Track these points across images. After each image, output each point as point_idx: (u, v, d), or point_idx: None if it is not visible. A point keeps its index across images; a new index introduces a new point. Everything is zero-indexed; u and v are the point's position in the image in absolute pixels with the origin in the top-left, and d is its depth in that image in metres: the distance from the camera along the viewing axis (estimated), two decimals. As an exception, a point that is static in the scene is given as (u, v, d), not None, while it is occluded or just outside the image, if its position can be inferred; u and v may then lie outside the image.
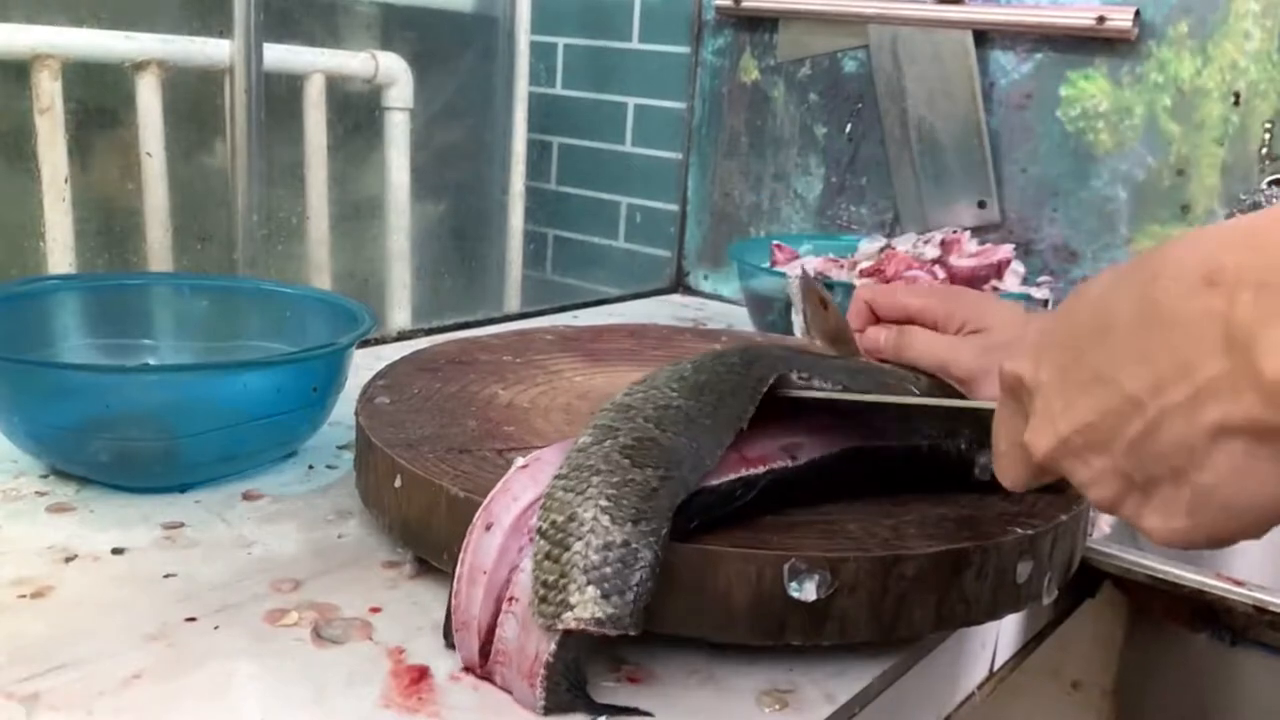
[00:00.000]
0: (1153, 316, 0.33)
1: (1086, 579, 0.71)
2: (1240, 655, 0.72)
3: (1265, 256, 0.30)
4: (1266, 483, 0.32)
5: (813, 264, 1.11)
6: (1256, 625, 0.69)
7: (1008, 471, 0.44)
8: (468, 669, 0.48)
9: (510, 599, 0.46)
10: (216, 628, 0.52)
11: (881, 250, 1.11)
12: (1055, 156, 1.14)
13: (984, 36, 1.16)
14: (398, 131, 1.25)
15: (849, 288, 0.96)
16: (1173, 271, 0.32)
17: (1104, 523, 0.76)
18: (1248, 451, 0.32)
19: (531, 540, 0.46)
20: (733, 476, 0.51)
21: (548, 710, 0.45)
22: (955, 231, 1.13)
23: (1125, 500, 0.36)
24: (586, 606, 0.43)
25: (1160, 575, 0.69)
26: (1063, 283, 1.16)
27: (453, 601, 0.47)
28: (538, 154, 1.51)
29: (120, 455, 0.64)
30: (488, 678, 0.47)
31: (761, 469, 0.52)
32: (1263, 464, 0.32)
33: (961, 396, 0.62)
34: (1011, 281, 1.07)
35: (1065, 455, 0.37)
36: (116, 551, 0.59)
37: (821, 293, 0.69)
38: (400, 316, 1.28)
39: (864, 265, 1.09)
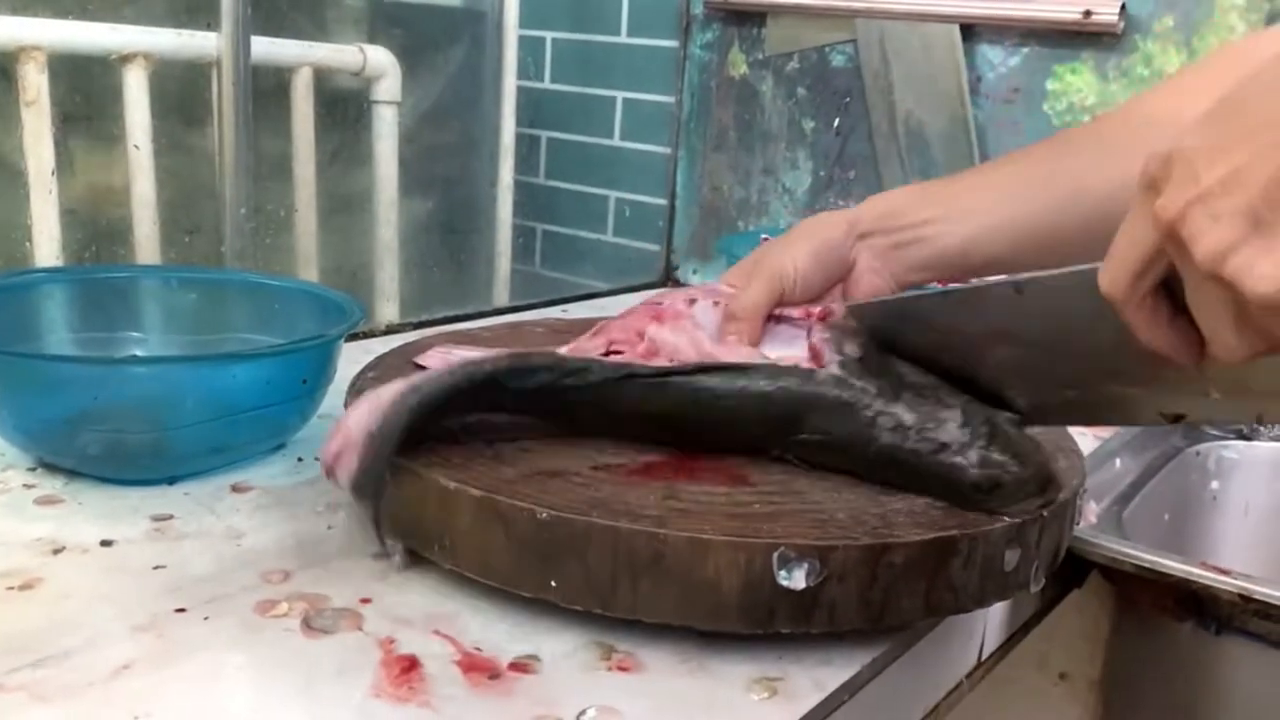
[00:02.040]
0: None
1: (1073, 569, 0.72)
2: (1226, 644, 0.72)
3: None
4: None
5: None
6: (1242, 614, 0.70)
7: (1114, 272, 0.41)
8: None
9: None
10: (206, 619, 0.52)
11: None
12: (1042, 150, 1.14)
13: (971, 30, 1.16)
14: (386, 125, 1.25)
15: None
16: None
17: (1090, 512, 0.76)
18: None
19: None
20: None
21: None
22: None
23: (1243, 246, 0.36)
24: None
25: (1146, 564, 0.69)
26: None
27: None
28: (526, 148, 1.51)
29: (109, 447, 0.64)
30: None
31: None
32: None
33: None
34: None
35: (1195, 206, 0.37)
36: (105, 543, 0.59)
37: None
38: (388, 310, 1.28)
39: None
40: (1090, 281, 0.43)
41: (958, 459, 0.54)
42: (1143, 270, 0.40)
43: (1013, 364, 0.55)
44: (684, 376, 0.58)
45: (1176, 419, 0.54)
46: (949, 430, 0.54)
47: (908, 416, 0.55)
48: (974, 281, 0.55)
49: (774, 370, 0.58)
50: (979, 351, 0.55)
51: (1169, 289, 0.41)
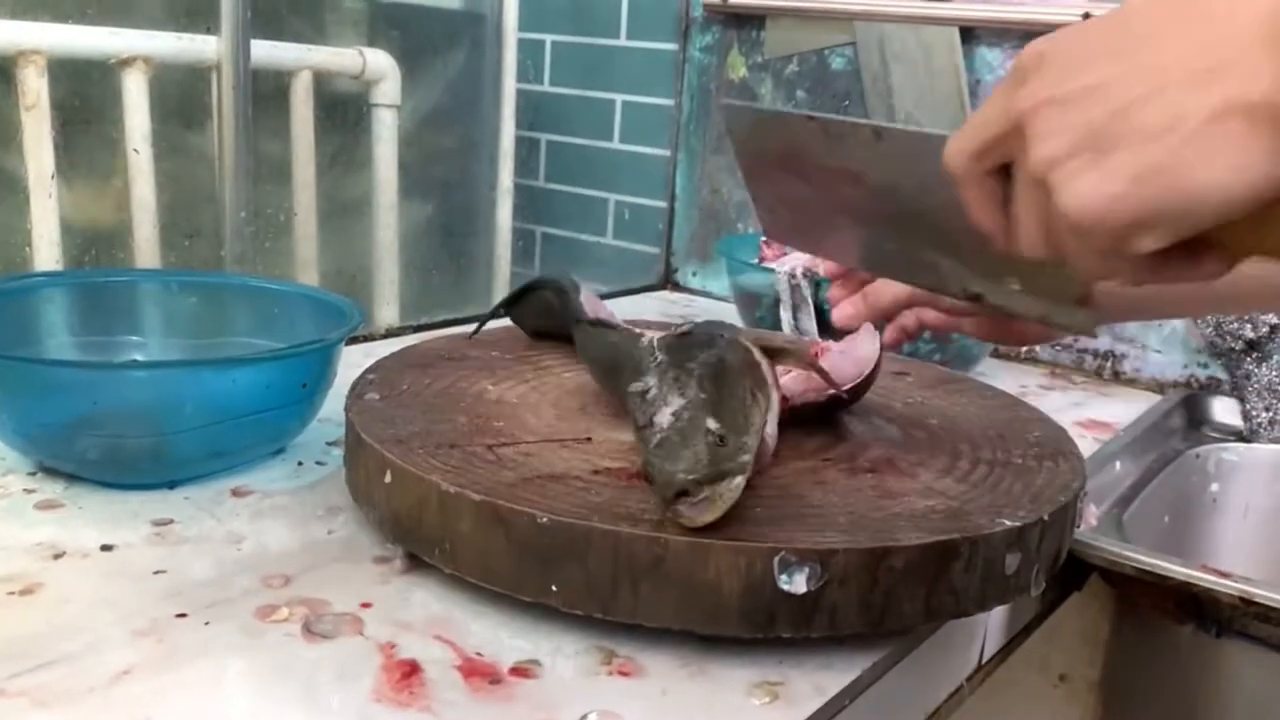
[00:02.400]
0: (1194, 9, 0.35)
1: (1074, 572, 0.72)
2: (1226, 647, 0.72)
3: None
4: (1235, 168, 0.34)
5: (801, 260, 1.11)
6: (1242, 617, 0.70)
7: (959, 145, 0.43)
8: None
9: None
10: (207, 623, 0.52)
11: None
12: (1042, 152, 1.14)
13: (970, 33, 1.16)
14: (385, 128, 1.25)
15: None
16: None
17: (1091, 515, 0.76)
18: (1241, 133, 0.33)
19: None
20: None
21: None
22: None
23: (1070, 160, 0.37)
24: None
25: (1147, 567, 0.69)
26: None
27: None
28: (526, 151, 1.51)
29: (109, 452, 0.64)
30: None
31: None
32: (1241, 150, 0.33)
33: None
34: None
35: (1047, 107, 0.38)
36: (106, 548, 0.58)
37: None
38: (388, 313, 1.28)
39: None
40: (941, 146, 0.44)
41: (649, 438, 0.53)
42: (984, 151, 0.42)
43: (854, 204, 0.56)
44: (589, 325, 0.72)
45: (974, 298, 0.56)
46: (663, 414, 0.54)
47: (652, 390, 0.57)
48: (840, 117, 0.55)
49: (626, 332, 0.66)
50: (830, 184, 0.57)
51: (1008, 173, 0.42)
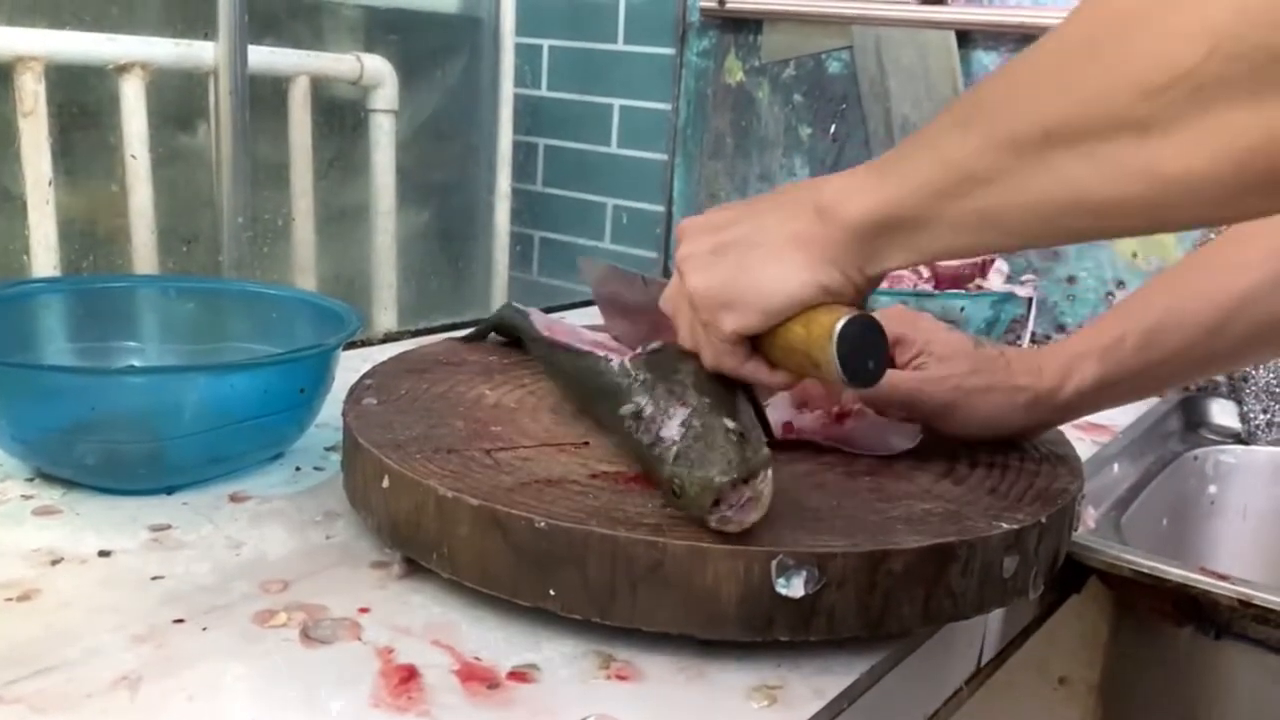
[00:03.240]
0: (788, 198, 0.54)
1: (1072, 574, 0.72)
2: (1225, 649, 0.72)
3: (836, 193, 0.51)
4: (786, 274, 0.52)
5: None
6: (1241, 619, 0.70)
7: (665, 293, 0.61)
8: None
9: None
10: (205, 629, 0.52)
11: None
12: (1038, 156, 1.14)
13: (967, 37, 1.17)
14: (383, 133, 1.25)
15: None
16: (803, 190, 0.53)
17: (1089, 518, 0.76)
18: (794, 253, 0.52)
19: None
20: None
21: None
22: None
23: (697, 263, 0.55)
24: None
25: (1145, 570, 0.69)
26: (1046, 280, 1.17)
27: None
28: (523, 155, 1.51)
29: (106, 457, 0.64)
30: None
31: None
32: (791, 263, 0.52)
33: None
34: (995, 280, 1.07)
35: (687, 260, 0.55)
36: (104, 554, 0.58)
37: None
38: (386, 318, 1.28)
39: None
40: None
41: (664, 454, 0.53)
42: (675, 295, 0.59)
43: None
44: (548, 348, 0.71)
45: None
46: (670, 427, 0.54)
47: (648, 408, 0.56)
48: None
49: (591, 356, 0.64)
50: (640, 320, 0.74)
51: None
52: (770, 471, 0.50)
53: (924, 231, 0.47)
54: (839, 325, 0.51)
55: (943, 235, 0.47)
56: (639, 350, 0.62)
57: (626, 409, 0.57)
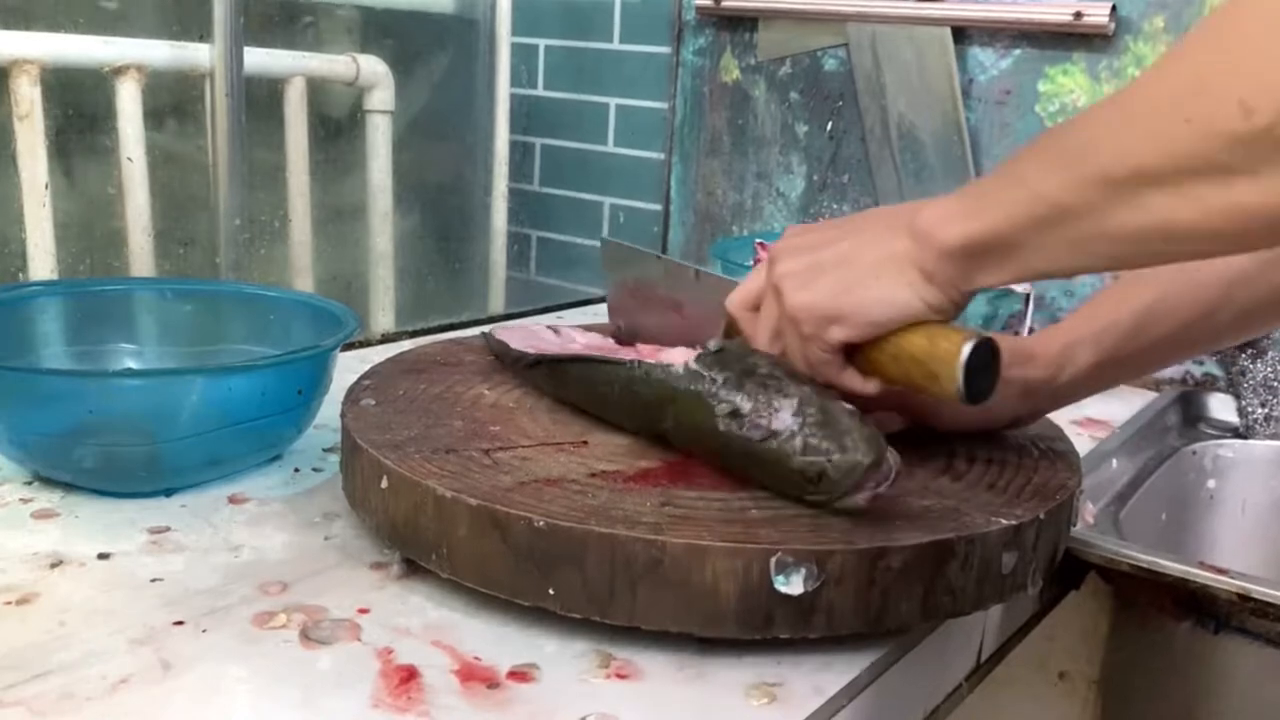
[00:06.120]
0: (882, 218, 0.57)
1: (1071, 570, 0.72)
2: (1224, 643, 0.72)
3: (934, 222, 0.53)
4: (890, 292, 0.54)
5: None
6: (1240, 613, 0.70)
7: (737, 297, 0.63)
8: None
9: None
10: (204, 631, 0.52)
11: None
12: (1035, 151, 1.14)
13: (962, 33, 1.17)
14: (379, 134, 1.25)
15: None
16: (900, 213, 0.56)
17: (1088, 513, 0.77)
18: (896, 272, 0.54)
19: None
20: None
21: None
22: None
23: (796, 280, 0.57)
24: None
25: (1144, 565, 0.69)
26: (1044, 277, 1.16)
27: None
28: (520, 155, 1.51)
29: (105, 460, 0.64)
30: None
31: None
32: (894, 282, 0.54)
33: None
34: (993, 276, 1.07)
35: (785, 279, 0.57)
36: (102, 557, 0.58)
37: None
38: (384, 319, 1.28)
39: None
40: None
41: (785, 446, 0.54)
42: (749, 300, 0.62)
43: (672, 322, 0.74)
44: (582, 364, 0.67)
45: None
46: (781, 418, 0.54)
47: (745, 404, 0.56)
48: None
49: (645, 365, 0.62)
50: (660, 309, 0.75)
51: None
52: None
53: (1016, 257, 0.50)
54: (968, 347, 0.54)
55: (1033, 260, 0.50)
56: (699, 351, 0.61)
57: (722, 409, 0.57)
